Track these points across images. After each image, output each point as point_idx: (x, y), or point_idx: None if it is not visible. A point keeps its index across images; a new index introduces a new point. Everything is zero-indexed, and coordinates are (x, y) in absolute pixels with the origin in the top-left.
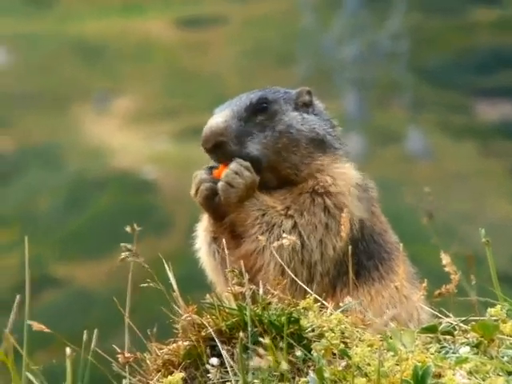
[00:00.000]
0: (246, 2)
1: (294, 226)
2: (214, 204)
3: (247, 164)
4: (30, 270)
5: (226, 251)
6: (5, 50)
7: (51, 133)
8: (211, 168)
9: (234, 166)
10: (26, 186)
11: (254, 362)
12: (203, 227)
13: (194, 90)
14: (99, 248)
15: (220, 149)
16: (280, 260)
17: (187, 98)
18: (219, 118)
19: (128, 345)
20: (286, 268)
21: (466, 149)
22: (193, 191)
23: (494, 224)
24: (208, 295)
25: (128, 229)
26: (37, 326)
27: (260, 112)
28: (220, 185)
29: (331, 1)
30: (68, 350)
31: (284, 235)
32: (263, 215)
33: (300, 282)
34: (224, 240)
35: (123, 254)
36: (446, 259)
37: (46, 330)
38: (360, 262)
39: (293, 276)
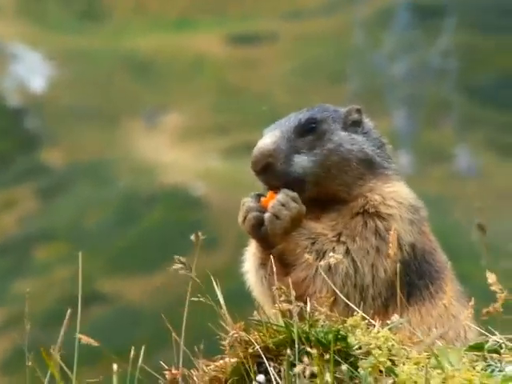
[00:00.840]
0: (297, 20)
1: (347, 251)
2: (262, 233)
3: (294, 194)
4: (78, 285)
5: (275, 278)
6: (55, 64)
7: (101, 148)
8: (259, 196)
9: (280, 196)
10: (75, 201)
11: (298, 368)
12: (251, 252)
13: (243, 107)
14: (148, 264)
15: (269, 170)
16: (333, 285)
17: (237, 115)
18: (268, 139)
19: (175, 361)
20: (338, 293)
21: None
22: (240, 219)
23: None
24: (255, 312)
25: (192, 237)
26: (85, 339)
27: (309, 132)
28: (266, 216)
29: (382, 19)
30: (115, 366)
31: (331, 254)
32: (313, 244)
33: (353, 306)
34: (273, 267)
35: (176, 266)
36: (491, 278)
37: (95, 343)
38: (412, 282)
39: (346, 301)
